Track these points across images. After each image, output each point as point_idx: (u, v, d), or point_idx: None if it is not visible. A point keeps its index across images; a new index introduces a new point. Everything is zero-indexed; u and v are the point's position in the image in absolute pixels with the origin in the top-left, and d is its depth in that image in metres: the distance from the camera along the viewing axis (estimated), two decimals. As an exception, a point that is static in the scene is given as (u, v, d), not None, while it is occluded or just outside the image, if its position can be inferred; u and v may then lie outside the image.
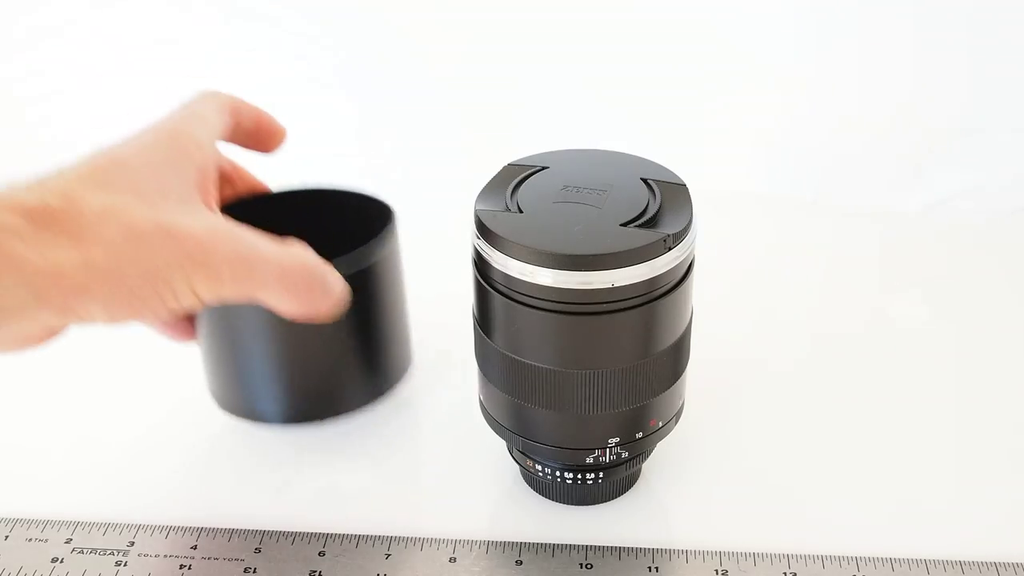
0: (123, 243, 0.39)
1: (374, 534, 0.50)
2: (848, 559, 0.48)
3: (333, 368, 0.56)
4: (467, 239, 0.46)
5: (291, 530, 0.51)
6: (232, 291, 0.42)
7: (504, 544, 0.50)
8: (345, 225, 0.59)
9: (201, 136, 0.47)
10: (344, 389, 0.57)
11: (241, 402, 0.57)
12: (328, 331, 0.53)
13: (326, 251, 0.60)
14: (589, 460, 0.48)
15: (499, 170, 0.48)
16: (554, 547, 0.49)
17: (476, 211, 0.46)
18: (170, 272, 0.40)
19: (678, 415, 0.50)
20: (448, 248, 0.60)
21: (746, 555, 0.49)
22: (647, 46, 0.84)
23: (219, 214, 0.45)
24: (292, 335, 0.53)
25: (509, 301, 0.44)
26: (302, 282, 0.44)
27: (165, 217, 0.41)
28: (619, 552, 0.49)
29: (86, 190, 0.40)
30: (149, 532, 0.51)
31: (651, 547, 0.49)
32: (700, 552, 0.49)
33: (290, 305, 0.44)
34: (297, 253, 0.44)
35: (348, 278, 0.51)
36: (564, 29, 0.85)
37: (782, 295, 0.68)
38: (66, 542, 0.50)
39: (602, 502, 0.52)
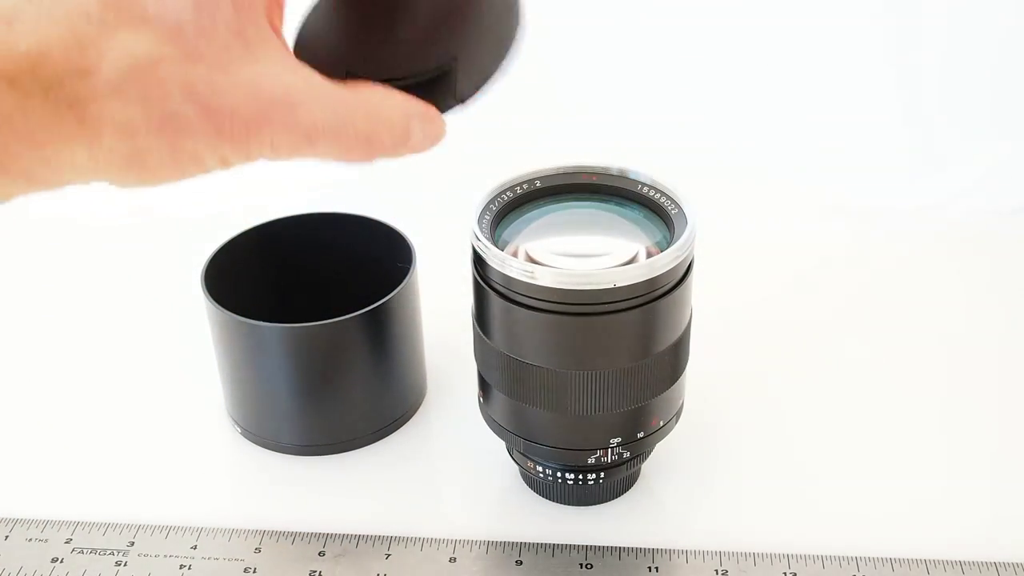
0: (157, 126, 0.33)
1: (374, 534, 0.50)
2: (848, 559, 0.48)
3: (347, 404, 0.55)
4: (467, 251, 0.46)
5: (291, 530, 0.51)
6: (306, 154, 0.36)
7: (504, 544, 0.50)
8: (361, 251, 0.59)
9: None
10: (357, 426, 0.56)
11: (261, 432, 0.56)
12: (344, 365, 0.53)
13: (341, 278, 0.60)
14: (591, 460, 0.48)
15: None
16: (554, 547, 0.49)
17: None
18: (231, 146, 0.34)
19: (678, 414, 0.50)
20: (446, 255, 0.60)
21: (746, 555, 0.49)
22: (644, 44, 0.84)
23: (286, 53, 0.36)
24: (311, 366, 0.53)
25: (508, 302, 0.44)
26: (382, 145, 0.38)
27: (222, 76, 0.34)
28: (619, 552, 0.49)
29: (106, 29, 0.32)
30: (149, 532, 0.51)
31: (651, 547, 0.49)
32: (700, 552, 0.49)
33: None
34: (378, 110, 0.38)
35: (368, 319, 0.52)
36: (563, 35, 0.84)
37: (782, 295, 0.68)
38: (66, 542, 0.50)
39: (602, 502, 0.52)
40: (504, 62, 0.42)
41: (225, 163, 0.35)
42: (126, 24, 0.32)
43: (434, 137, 0.39)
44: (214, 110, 0.33)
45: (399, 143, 0.38)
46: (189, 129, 0.33)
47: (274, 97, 0.34)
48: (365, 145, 0.37)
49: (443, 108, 0.40)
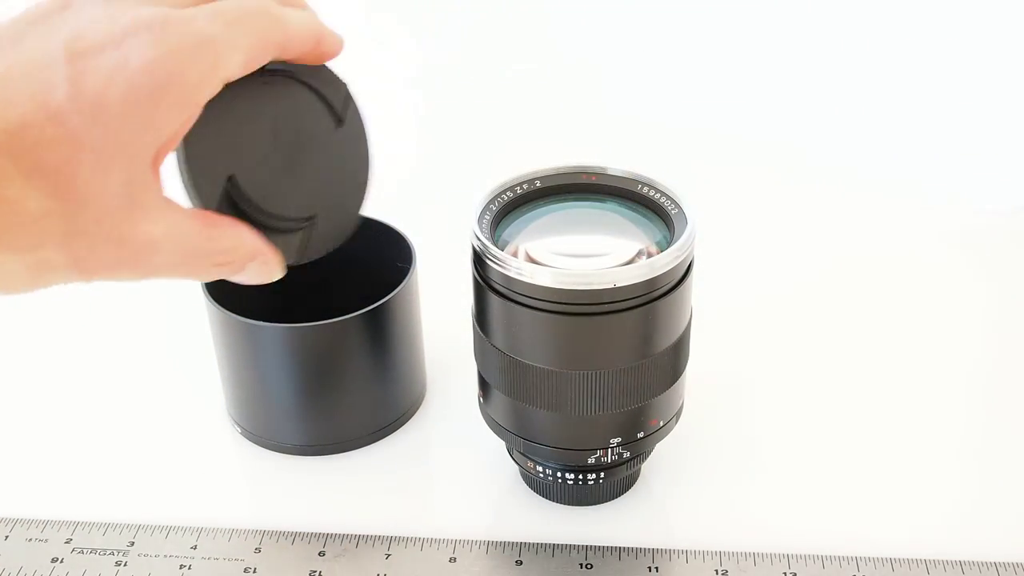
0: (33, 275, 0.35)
1: (374, 534, 0.50)
2: (848, 559, 0.48)
3: (347, 404, 0.55)
4: (467, 251, 0.46)
5: (291, 530, 0.51)
6: None
7: (504, 544, 0.50)
8: (361, 251, 0.59)
9: (201, 89, 0.36)
10: (357, 426, 0.56)
11: (261, 432, 0.56)
12: (344, 365, 0.53)
13: (342, 278, 0.60)
14: (591, 460, 0.48)
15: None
16: (554, 547, 0.49)
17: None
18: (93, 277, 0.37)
19: (678, 415, 0.50)
20: (446, 255, 0.60)
21: (746, 555, 0.49)
22: (644, 45, 0.84)
23: (168, 197, 0.37)
24: (310, 366, 0.53)
25: (509, 302, 0.44)
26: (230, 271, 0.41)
27: (107, 229, 0.35)
28: (619, 552, 0.49)
29: (3, 178, 0.33)
30: (149, 532, 0.51)
31: (651, 547, 0.49)
32: (700, 552, 0.49)
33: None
34: (230, 249, 0.40)
35: (368, 319, 0.52)
36: (562, 36, 0.85)
37: (782, 295, 0.68)
38: (66, 542, 0.50)
39: (602, 502, 0.52)
40: (347, 234, 0.44)
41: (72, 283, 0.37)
42: (22, 173, 0.33)
43: (266, 277, 0.42)
44: (82, 260, 0.35)
45: (229, 274, 0.40)
46: (56, 270, 0.35)
47: (137, 247, 0.36)
48: (201, 276, 0.39)
49: (288, 259, 0.42)
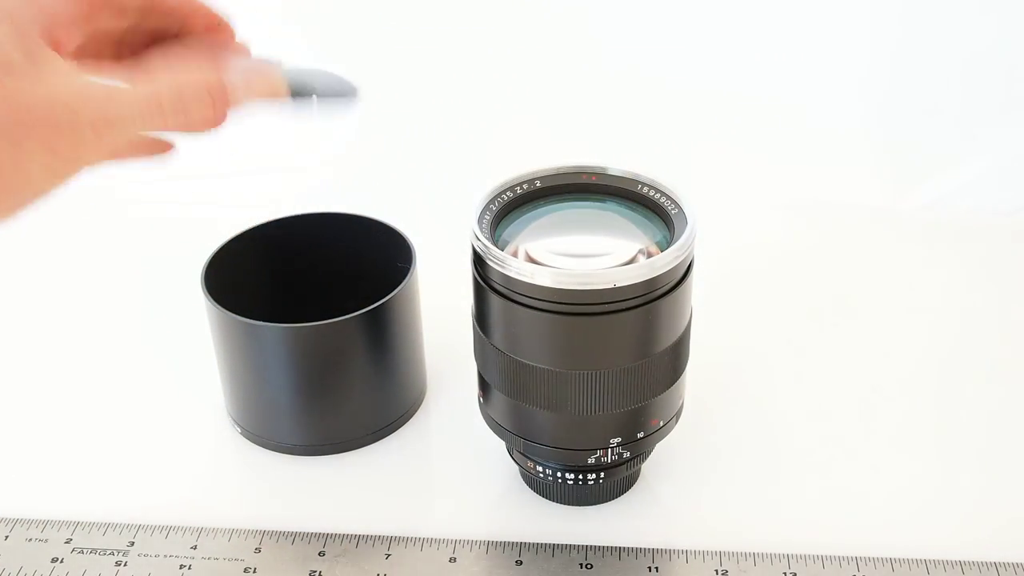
0: None
1: (374, 534, 0.50)
2: (848, 559, 0.48)
3: (347, 404, 0.55)
4: (467, 251, 0.46)
5: (291, 530, 0.51)
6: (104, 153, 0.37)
7: (504, 544, 0.50)
8: (361, 251, 0.59)
9: None
10: (357, 426, 0.56)
11: (261, 432, 0.56)
12: (344, 365, 0.53)
13: (342, 278, 0.60)
14: (591, 460, 0.48)
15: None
16: (554, 547, 0.49)
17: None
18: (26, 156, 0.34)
19: (678, 415, 0.50)
20: (446, 255, 0.60)
21: (746, 555, 0.49)
22: (643, 46, 0.84)
23: (69, 66, 0.37)
24: (311, 368, 0.53)
25: (509, 302, 0.44)
26: (181, 111, 0.38)
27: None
28: (619, 552, 0.49)
29: None
30: (149, 532, 0.51)
31: (651, 547, 0.49)
32: (700, 552, 0.49)
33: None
34: (166, 87, 0.37)
35: (368, 319, 0.52)
36: (562, 35, 0.84)
37: (782, 295, 0.68)
38: (66, 542, 0.50)
39: (602, 502, 0.52)
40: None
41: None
42: None
43: (209, 111, 0.38)
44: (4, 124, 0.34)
45: (186, 112, 0.38)
46: None
47: (53, 109, 0.34)
48: (181, 119, 0.37)
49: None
